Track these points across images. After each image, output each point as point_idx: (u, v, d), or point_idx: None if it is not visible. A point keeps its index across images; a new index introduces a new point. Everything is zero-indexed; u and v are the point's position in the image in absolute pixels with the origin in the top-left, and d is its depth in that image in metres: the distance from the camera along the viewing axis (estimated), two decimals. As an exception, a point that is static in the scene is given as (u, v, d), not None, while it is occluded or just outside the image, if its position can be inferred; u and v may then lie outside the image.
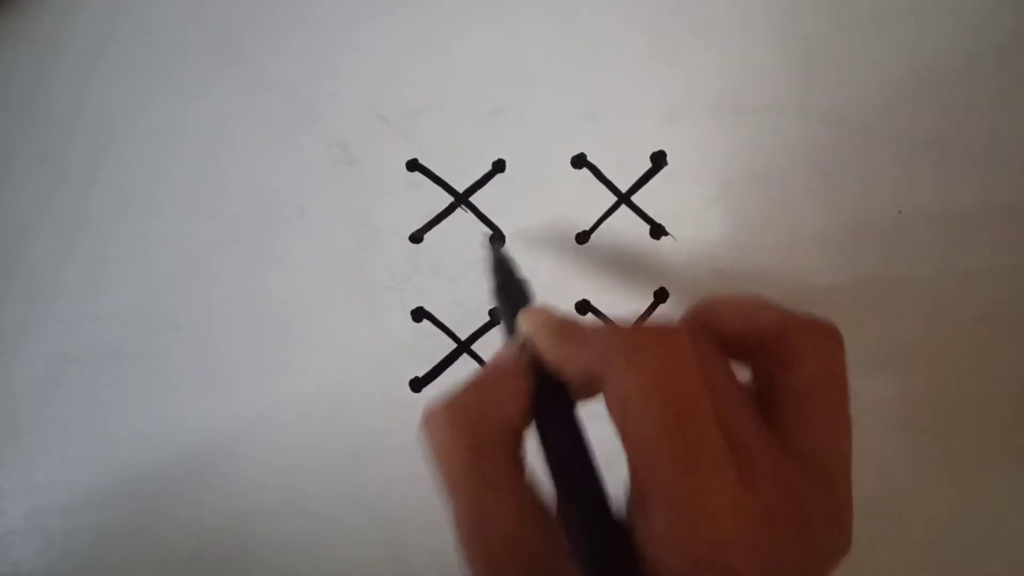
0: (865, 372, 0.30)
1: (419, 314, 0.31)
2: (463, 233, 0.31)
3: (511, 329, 0.23)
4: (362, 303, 0.31)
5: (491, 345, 0.31)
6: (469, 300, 0.31)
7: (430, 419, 0.21)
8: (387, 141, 0.31)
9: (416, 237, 0.31)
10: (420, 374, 0.31)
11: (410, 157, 0.31)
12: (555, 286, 0.31)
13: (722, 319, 0.24)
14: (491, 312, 0.31)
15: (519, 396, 0.21)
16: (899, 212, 0.30)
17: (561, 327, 0.22)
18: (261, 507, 0.32)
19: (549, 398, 0.22)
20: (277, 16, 0.32)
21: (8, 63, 0.32)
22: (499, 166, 0.31)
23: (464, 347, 0.31)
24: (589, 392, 0.21)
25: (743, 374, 0.24)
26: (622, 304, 0.31)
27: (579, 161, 0.31)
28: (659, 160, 0.31)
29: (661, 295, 0.31)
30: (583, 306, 0.31)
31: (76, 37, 0.32)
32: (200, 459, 0.32)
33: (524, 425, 0.22)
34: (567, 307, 0.31)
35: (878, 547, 0.31)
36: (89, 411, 0.32)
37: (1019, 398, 0.30)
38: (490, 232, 0.27)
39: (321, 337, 0.31)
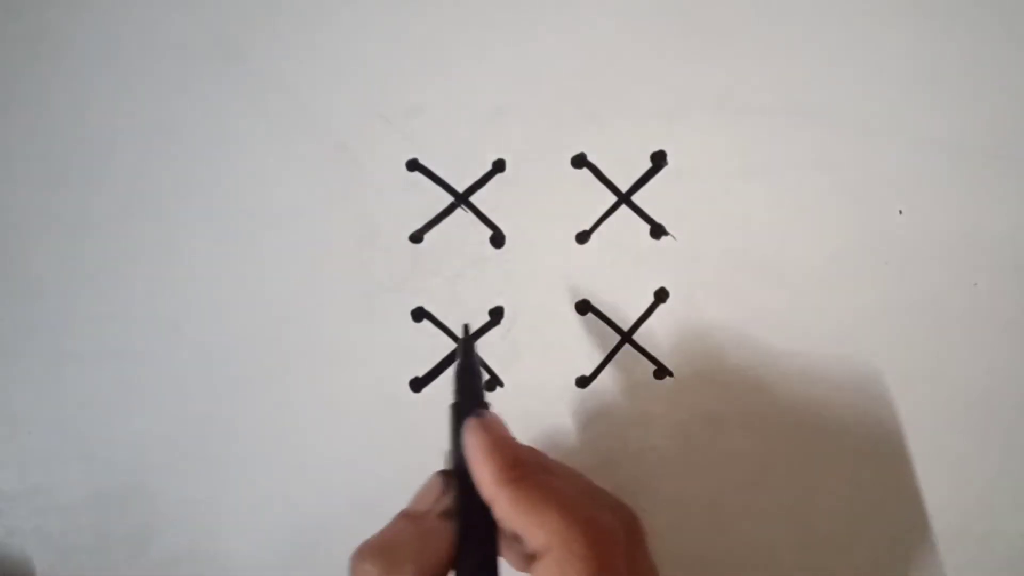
0: (865, 370, 0.30)
1: (419, 314, 0.31)
2: (463, 233, 0.31)
3: (457, 439, 0.23)
4: (362, 303, 0.31)
5: (491, 345, 0.31)
6: (469, 300, 0.31)
7: (356, 559, 0.21)
8: (387, 141, 0.31)
9: (416, 237, 0.31)
10: (420, 374, 0.31)
11: (410, 157, 0.31)
12: (555, 286, 0.31)
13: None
14: (492, 312, 0.31)
15: (441, 546, 0.21)
16: (899, 212, 0.30)
17: (504, 464, 0.21)
18: (261, 507, 0.32)
19: (473, 536, 0.22)
20: (277, 16, 0.32)
21: (8, 63, 0.32)
22: (499, 166, 0.31)
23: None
24: (514, 539, 0.21)
25: None
26: (622, 304, 0.31)
27: (579, 161, 0.31)
28: (659, 160, 0.31)
29: (661, 295, 0.31)
30: (583, 306, 0.31)
31: (76, 37, 0.32)
32: (200, 459, 0.32)
33: (445, 568, 0.22)
34: (567, 307, 0.31)
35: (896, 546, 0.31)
36: (89, 411, 0.32)
37: (1019, 396, 0.30)
38: (463, 332, 0.26)
39: (321, 337, 0.31)
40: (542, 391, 0.31)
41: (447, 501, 0.22)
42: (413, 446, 0.31)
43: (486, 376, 0.31)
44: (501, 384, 0.31)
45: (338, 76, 0.31)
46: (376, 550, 0.21)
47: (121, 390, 0.32)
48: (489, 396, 0.31)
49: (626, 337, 0.31)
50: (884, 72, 0.30)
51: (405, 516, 0.23)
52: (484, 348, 0.31)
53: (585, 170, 0.31)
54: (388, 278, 0.31)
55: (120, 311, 0.32)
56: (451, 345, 0.31)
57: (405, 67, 0.31)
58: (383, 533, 0.22)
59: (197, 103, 0.32)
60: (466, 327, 0.26)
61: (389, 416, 0.31)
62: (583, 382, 0.31)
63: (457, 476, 0.22)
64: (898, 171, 0.30)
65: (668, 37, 0.31)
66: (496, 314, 0.31)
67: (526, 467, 0.21)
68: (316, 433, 0.32)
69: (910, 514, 0.30)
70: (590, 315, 0.31)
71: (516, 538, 0.21)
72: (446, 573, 0.21)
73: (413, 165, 0.31)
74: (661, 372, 0.31)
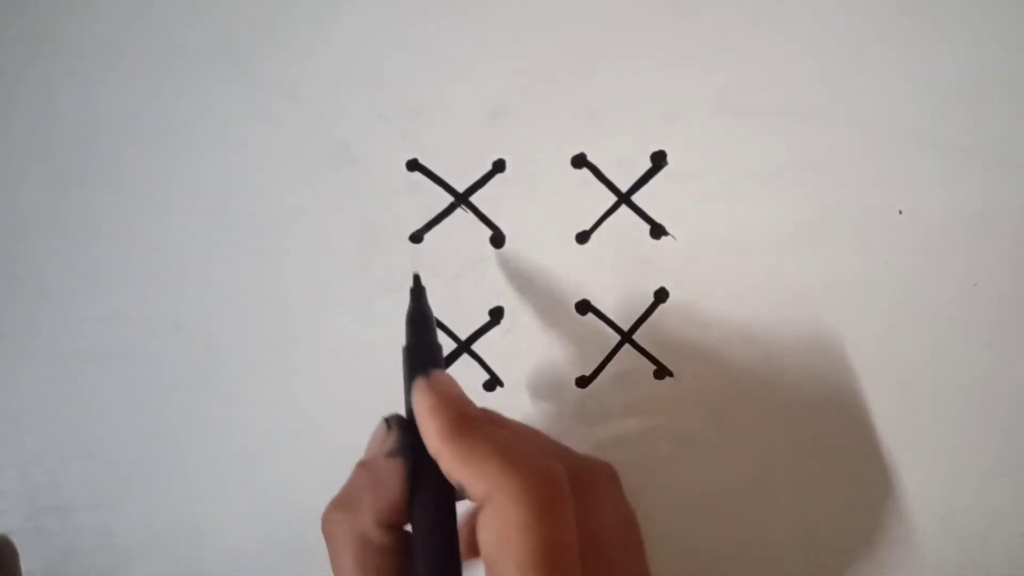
0: (866, 372, 0.30)
1: (419, 314, 0.31)
2: (463, 233, 0.31)
3: (408, 391, 0.24)
4: (362, 303, 0.31)
5: (491, 345, 0.31)
6: (469, 300, 0.31)
7: (324, 514, 0.23)
8: (387, 141, 0.31)
9: (416, 237, 0.31)
10: (420, 374, 0.31)
11: (410, 157, 0.31)
12: (555, 286, 0.31)
13: None
14: (492, 312, 0.31)
15: (392, 483, 0.22)
16: (899, 212, 0.30)
17: (449, 420, 0.22)
18: (261, 507, 0.32)
19: (425, 478, 0.22)
20: (278, 17, 0.32)
21: (12, 65, 0.32)
22: (499, 166, 0.31)
23: (464, 347, 0.31)
24: (460, 491, 0.21)
25: None
26: (622, 304, 0.31)
27: (579, 161, 0.31)
28: (659, 160, 0.31)
29: (661, 295, 0.31)
30: (583, 306, 0.31)
31: (79, 39, 0.32)
32: (200, 459, 0.32)
33: (402, 505, 0.22)
34: (567, 307, 0.31)
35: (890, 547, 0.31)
36: (89, 411, 0.32)
37: (1019, 396, 0.30)
38: (413, 281, 0.27)
39: (321, 337, 0.31)
40: (542, 391, 0.31)
41: (391, 442, 0.23)
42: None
43: (487, 376, 0.31)
44: (501, 384, 0.31)
45: (338, 76, 0.31)
46: (337, 500, 0.23)
47: (121, 390, 0.32)
48: (489, 396, 0.31)
49: (626, 337, 0.31)
50: (884, 72, 0.30)
51: (360, 465, 0.24)
52: (484, 348, 0.31)
53: (585, 170, 0.31)
54: (388, 278, 0.31)
55: (121, 311, 0.32)
56: (451, 345, 0.31)
57: (405, 67, 0.31)
58: (345, 485, 0.23)
59: (199, 104, 0.32)
60: (416, 276, 0.27)
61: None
62: (583, 382, 0.31)
63: (409, 421, 0.24)
64: (898, 171, 0.30)
65: (668, 37, 0.31)
66: (496, 314, 0.31)
67: (470, 421, 0.22)
68: (316, 433, 0.32)
69: (910, 514, 0.30)
70: (590, 315, 0.31)
71: (462, 491, 0.21)
72: (402, 508, 0.22)
73: (413, 165, 0.31)
74: (661, 372, 0.31)
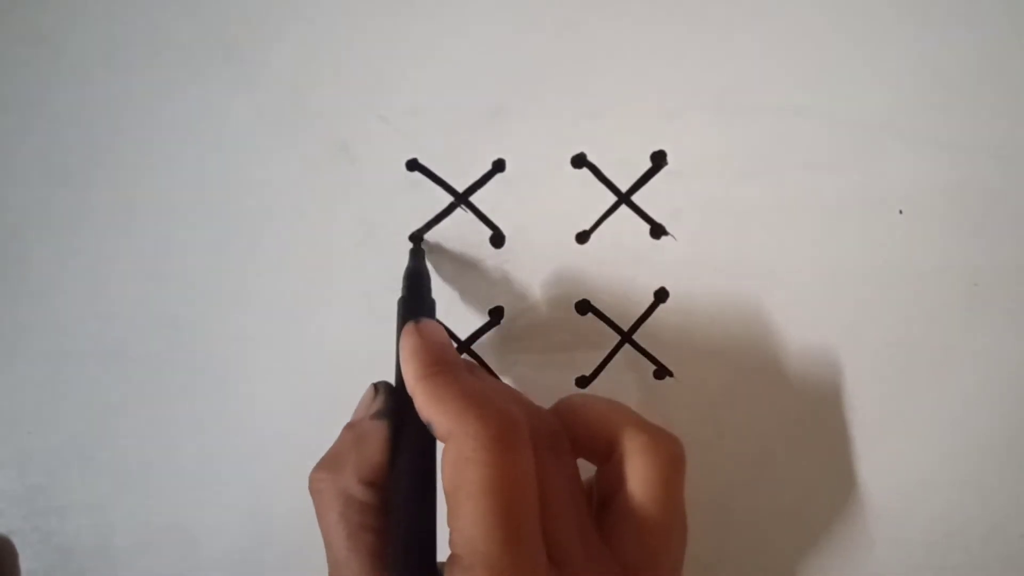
0: (866, 371, 0.30)
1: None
2: (463, 233, 0.31)
3: (400, 338, 0.25)
4: (362, 303, 0.31)
5: (491, 345, 0.31)
6: (469, 300, 0.31)
7: (311, 473, 0.24)
8: (387, 141, 0.31)
9: (416, 237, 0.31)
10: (420, 374, 0.31)
11: (410, 157, 0.31)
12: (555, 286, 0.31)
13: (578, 420, 0.25)
14: (492, 312, 0.31)
15: (375, 442, 0.24)
16: (899, 212, 0.30)
17: (427, 361, 0.23)
18: (260, 506, 0.32)
19: (407, 433, 0.23)
20: (277, 15, 0.32)
21: (7, 62, 0.32)
22: (499, 166, 0.31)
23: (464, 347, 0.31)
24: (430, 429, 0.22)
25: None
26: (622, 304, 0.31)
27: (579, 161, 0.31)
28: (659, 160, 0.31)
29: (661, 295, 0.31)
30: (583, 306, 0.31)
31: (75, 36, 0.32)
32: (199, 459, 0.32)
33: (385, 464, 0.23)
34: (567, 307, 0.31)
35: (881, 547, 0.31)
36: (89, 411, 0.32)
37: (1020, 396, 0.30)
38: (414, 240, 0.29)
39: (321, 337, 0.31)
40: (542, 391, 0.31)
41: (377, 404, 0.25)
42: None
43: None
44: (501, 384, 0.31)
45: (338, 76, 0.31)
46: (325, 461, 0.24)
47: (121, 390, 0.32)
48: (489, 396, 0.31)
49: (626, 337, 0.31)
50: (884, 72, 0.30)
51: (346, 427, 0.25)
52: (484, 348, 0.31)
53: (585, 170, 0.31)
54: (388, 278, 0.31)
55: (120, 311, 0.32)
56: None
57: (405, 67, 0.31)
58: (331, 447, 0.24)
59: (196, 102, 0.32)
60: (418, 238, 0.30)
61: (389, 416, 0.31)
62: (583, 382, 0.31)
63: (397, 375, 0.25)
64: (898, 171, 0.30)
65: (668, 37, 0.31)
66: (496, 314, 0.31)
67: (446, 365, 0.23)
68: (316, 432, 0.32)
69: (910, 514, 0.30)
70: (590, 315, 0.31)
71: (430, 428, 0.22)
72: (385, 467, 0.23)
73: (413, 165, 0.31)
74: (661, 372, 0.31)
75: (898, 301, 0.30)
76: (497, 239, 0.31)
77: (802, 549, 0.31)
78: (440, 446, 0.22)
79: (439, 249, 0.31)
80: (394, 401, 0.25)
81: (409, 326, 0.25)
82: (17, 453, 0.32)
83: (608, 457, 0.24)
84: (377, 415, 0.24)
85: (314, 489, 0.23)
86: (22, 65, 0.32)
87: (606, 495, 0.24)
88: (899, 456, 0.30)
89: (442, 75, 0.31)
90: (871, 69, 0.30)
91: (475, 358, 0.31)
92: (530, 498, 0.20)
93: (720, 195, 0.31)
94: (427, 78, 0.31)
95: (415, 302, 0.27)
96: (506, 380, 0.31)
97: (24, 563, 0.32)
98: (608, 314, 0.31)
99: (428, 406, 0.22)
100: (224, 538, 0.32)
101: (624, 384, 0.31)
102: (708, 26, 0.31)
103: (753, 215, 0.30)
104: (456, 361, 0.24)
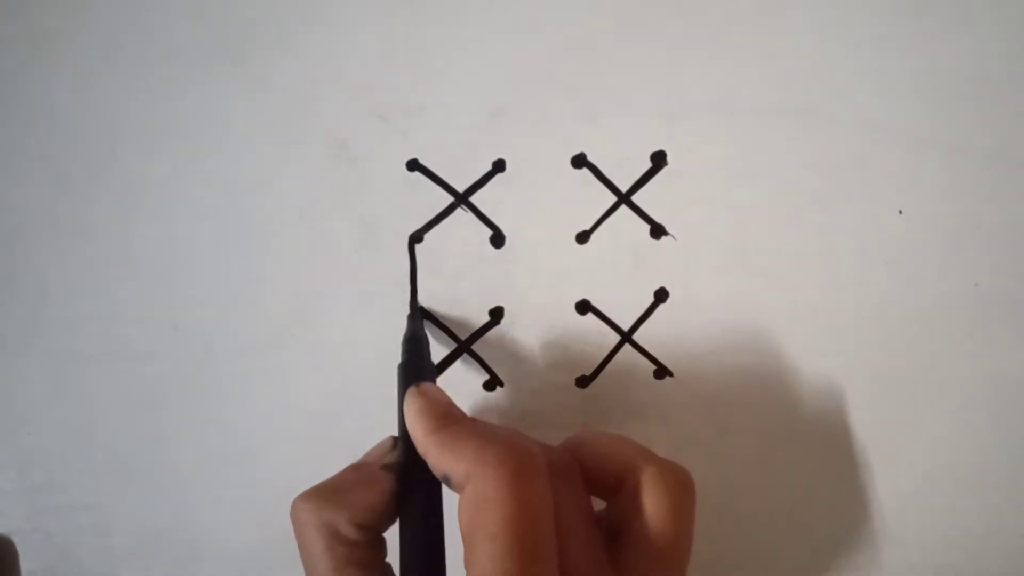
0: (866, 372, 0.30)
1: (419, 314, 0.31)
2: (463, 233, 0.31)
3: (402, 402, 0.25)
4: (362, 303, 0.31)
5: (491, 345, 0.31)
6: (469, 300, 0.31)
7: (294, 500, 0.23)
8: (387, 141, 0.31)
9: (416, 237, 0.31)
10: (420, 374, 0.31)
11: (410, 157, 0.31)
12: (555, 286, 0.31)
13: (587, 455, 0.25)
14: (492, 312, 0.31)
15: (381, 489, 0.23)
16: (899, 212, 0.30)
17: (434, 417, 0.23)
18: (260, 506, 0.32)
19: (417, 493, 0.24)
20: (277, 16, 0.32)
21: (9, 64, 0.32)
22: (499, 166, 0.31)
23: (464, 347, 0.31)
24: (447, 484, 0.22)
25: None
26: (622, 304, 0.31)
27: (579, 161, 0.31)
28: (659, 160, 0.31)
29: (661, 295, 0.31)
30: (583, 306, 0.31)
31: (76, 36, 0.32)
32: (200, 459, 0.32)
33: (383, 514, 0.23)
34: (567, 307, 0.31)
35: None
36: (89, 411, 0.32)
37: (1020, 396, 0.30)
38: (411, 308, 0.30)
39: (321, 337, 0.31)
40: (542, 391, 0.31)
41: (392, 457, 0.25)
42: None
43: (487, 376, 0.31)
44: (501, 384, 0.31)
45: (338, 76, 0.31)
46: (314, 492, 0.23)
47: (121, 390, 0.32)
48: (489, 396, 0.31)
49: (626, 337, 0.31)
50: (884, 72, 0.30)
51: (352, 466, 0.25)
52: (484, 348, 0.31)
53: (585, 170, 0.31)
54: (388, 278, 0.31)
55: (120, 311, 0.32)
56: (451, 345, 0.31)
57: (405, 67, 0.31)
58: (326, 480, 0.24)
59: (197, 103, 0.32)
60: (414, 302, 0.30)
61: (389, 415, 0.31)
62: (583, 382, 0.31)
63: (402, 435, 0.25)
64: (898, 171, 0.30)
65: (668, 37, 0.31)
66: (496, 314, 0.31)
67: (452, 417, 0.23)
68: (316, 432, 0.32)
69: (910, 514, 0.30)
70: (590, 315, 0.31)
71: (447, 481, 0.22)
72: (381, 515, 0.23)
73: (413, 165, 0.31)
74: (661, 372, 0.31)
75: (898, 301, 0.30)
76: (497, 239, 0.31)
77: (802, 549, 0.31)
78: (451, 496, 0.22)
79: (439, 249, 0.31)
80: (406, 460, 0.25)
81: (412, 389, 0.25)
82: (17, 453, 0.32)
83: (618, 490, 0.24)
84: (388, 467, 0.24)
85: (298, 518, 0.23)
86: (21, 65, 0.32)
87: (617, 527, 0.24)
88: (899, 455, 0.30)
89: (442, 75, 0.31)
90: (870, 70, 0.30)
91: (475, 358, 0.31)
92: (549, 531, 0.20)
93: (720, 195, 0.31)
94: (427, 78, 0.31)
95: (416, 366, 0.27)
96: (506, 380, 0.31)
97: (24, 563, 0.32)
98: (608, 314, 0.31)
99: (443, 457, 0.22)
100: (224, 538, 0.32)
101: (624, 384, 0.31)
102: (708, 27, 0.31)
103: (753, 215, 0.30)
104: (463, 414, 0.24)
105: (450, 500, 0.23)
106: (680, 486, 0.24)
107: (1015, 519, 0.30)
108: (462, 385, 0.31)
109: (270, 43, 0.32)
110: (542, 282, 0.31)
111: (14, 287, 0.32)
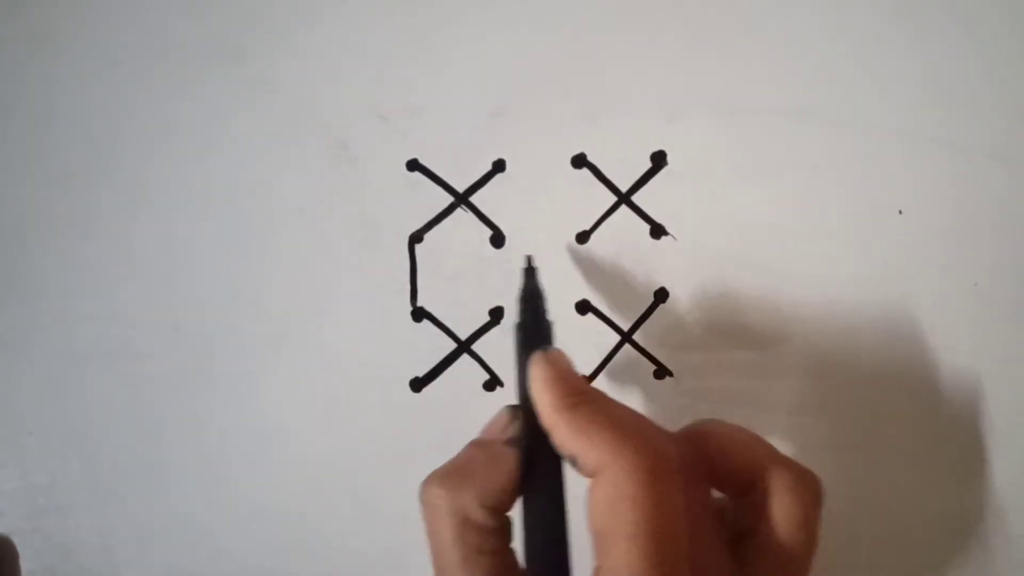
0: (865, 372, 0.30)
1: (419, 314, 0.31)
2: (463, 233, 0.31)
3: (523, 370, 0.24)
4: (362, 303, 0.31)
5: (491, 345, 0.31)
6: (469, 300, 0.31)
7: (425, 484, 0.23)
8: (387, 141, 0.31)
9: (416, 237, 0.31)
10: (420, 374, 0.31)
11: (410, 157, 0.31)
12: (555, 286, 0.31)
13: (716, 450, 0.24)
14: (492, 312, 0.31)
15: (506, 469, 0.22)
16: (899, 212, 0.30)
17: (564, 392, 0.22)
18: (260, 507, 0.32)
19: (539, 466, 0.23)
20: (277, 16, 0.32)
21: (10, 63, 0.32)
22: (499, 166, 0.31)
23: (464, 347, 0.31)
24: (572, 464, 0.22)
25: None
26: (622, 304, 0.31)
27: (579, 161, 0.31)
28: (659, 160, 0.31)
29: (661, 295, 0.31)
30: (583, 306, 0.31)
31: (76, 36, 0.32)
32: (200, 459, 0.32)
33: (511, 493, 0.22)
34: (567, 307, 0.31)
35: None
36: (89, 411, 0.32)
37: (1020, 396, 0.30)
38: (526, 261, 0.27)
39: (320, 337, 0.31)
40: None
41: (513, 430, 0.24)
42: (413, 446, 0.31)
43: (487, 376, 0.31)
44: (501, 384, 0.31)
45: (338, 76, 0.31)
46: (444, 474, 0.22)
47: (121, 390, 0.32)
48: (489, 396, 0.31)
49: (626, 337, 0.31)
50: (884, 72, 0.30)
51: (473, 444, 0.24)
52: (484, 348, 0.31)
53: (585, 170, 0.31)
54: (388, 278, 0.31)
55: (120, 311, 0.32)
56: (451, 345, 0.31)
57: (405, 67, 0.31)
58: (451, 460, 0.23)
59: (197, 103, 0.32)
60: (529, 257, 0.27)
61: (389, 416, 0.31)
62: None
63: (522, 403, 0.23)
64: (898, 171, 0.30)
65: (668, 37, 0.31)
66: (496, 314, 0.31)
67: (584, 395, 0.22)
68: (316, 432, 0.32)
69: (910, 514, 0.30)
70: (590, 315, 0.31)
71: (573, 462, 0.21)
72: (510, 495, 0.22)
73: (413, 165, 0.31)
74: (661, 372, 0.31)
75: (898, 302, 0.30)
76: (497, 239, 0.31)
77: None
78: (576, 479, 0.21)
79: (439, 249, 0.31)
80: (527, 429, 0.23)
81: (538, 356, 0.23)
82: (17, 453, 0.32)
83: (746, 491, 0.23)
84: (511, 442, 0.23)
85: (429, 503, 0.22)
86: (21, 65, 0.32)
87: (743, 528, 0.23)
88: (898, 455, 0.30)
89: (442, 75, 0.31)
90: (871, 70, 0.30)
91: (475, 358, 0.31)
92: (683, 532, 0.20)
93: (720, 195, 0.31)
94: (427, 78, 0.31)
95: (535, 328, 0.25)
96: (507, 380, 0.31)
97: (24, 563, 0.32)
98: (608, 314, 0.31)
99: (573, 439, 0.21)
100: (224, 538, 0.32)
101: (624, 384, 0.31)
102: (709, 28, 0.31)
103: (753, 215, 0.30)
104: (591, 389, 0.23)
105: (573, 479, 0.22)
106: (813, 498, 0.23)
107: (1015, 519, 0.30)
108: (462, 385, 0.31)
109: (270, 43, 0.32)
110: (542, 282, 0.31)
111: (14, 287, 0.32)
